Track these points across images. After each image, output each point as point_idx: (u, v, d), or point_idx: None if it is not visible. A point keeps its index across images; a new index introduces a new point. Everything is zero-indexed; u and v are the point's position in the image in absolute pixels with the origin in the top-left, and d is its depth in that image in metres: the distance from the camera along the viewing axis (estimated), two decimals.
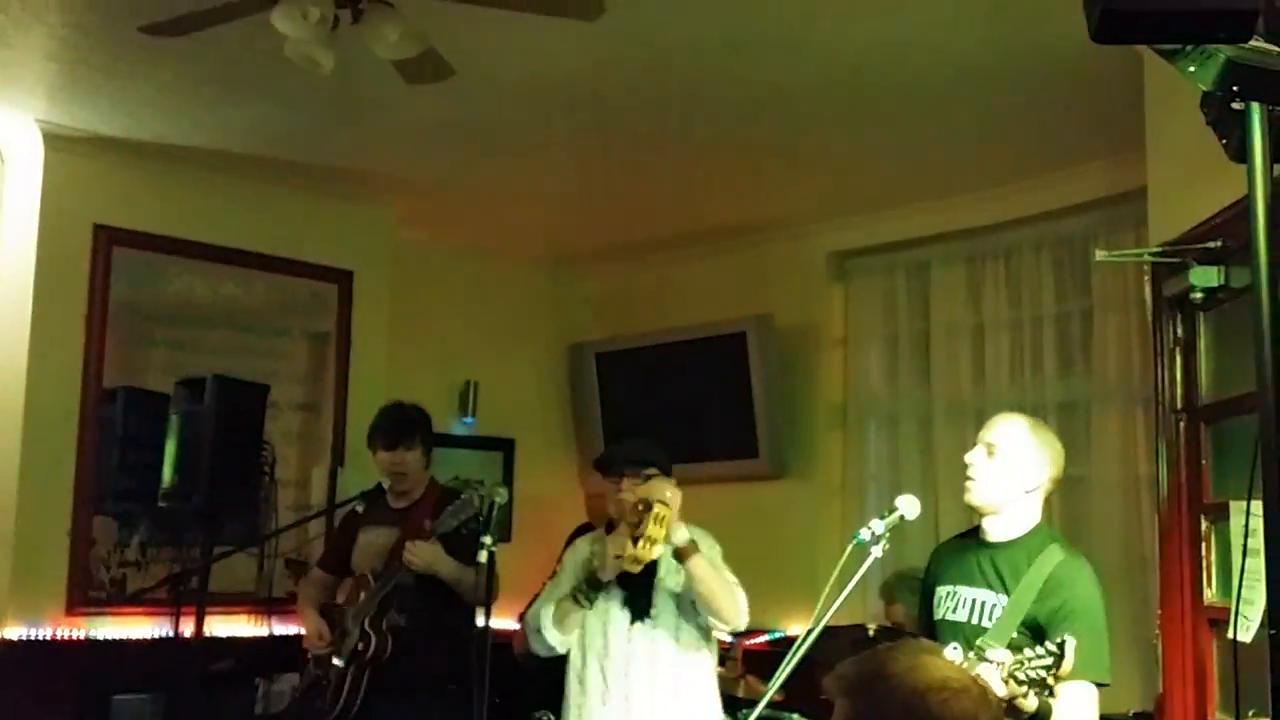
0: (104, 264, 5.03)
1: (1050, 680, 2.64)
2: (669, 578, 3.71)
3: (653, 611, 3.71)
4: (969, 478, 3.17)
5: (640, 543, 3.47)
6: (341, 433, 5.62)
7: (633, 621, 3.71)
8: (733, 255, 6.44)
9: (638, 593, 3.71)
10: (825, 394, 6.19)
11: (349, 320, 5.72)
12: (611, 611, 3.74)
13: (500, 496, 3.64)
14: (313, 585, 4.67)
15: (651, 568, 3.67)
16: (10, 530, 4.78)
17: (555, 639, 3.76)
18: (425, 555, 4.15)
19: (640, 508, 3.53)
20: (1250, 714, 2.88)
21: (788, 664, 2.78)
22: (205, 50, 4.05)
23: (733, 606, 3.65)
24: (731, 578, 3.71)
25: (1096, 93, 4.36)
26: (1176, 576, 3.53)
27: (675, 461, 3.94)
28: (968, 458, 3.18)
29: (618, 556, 3.55)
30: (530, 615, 3.89)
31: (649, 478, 3.70)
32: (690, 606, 3.70)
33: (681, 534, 3.56)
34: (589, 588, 3.69)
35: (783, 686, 2.85)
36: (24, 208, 4.98)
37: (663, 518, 3.48)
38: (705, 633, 3.76)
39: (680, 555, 3.58)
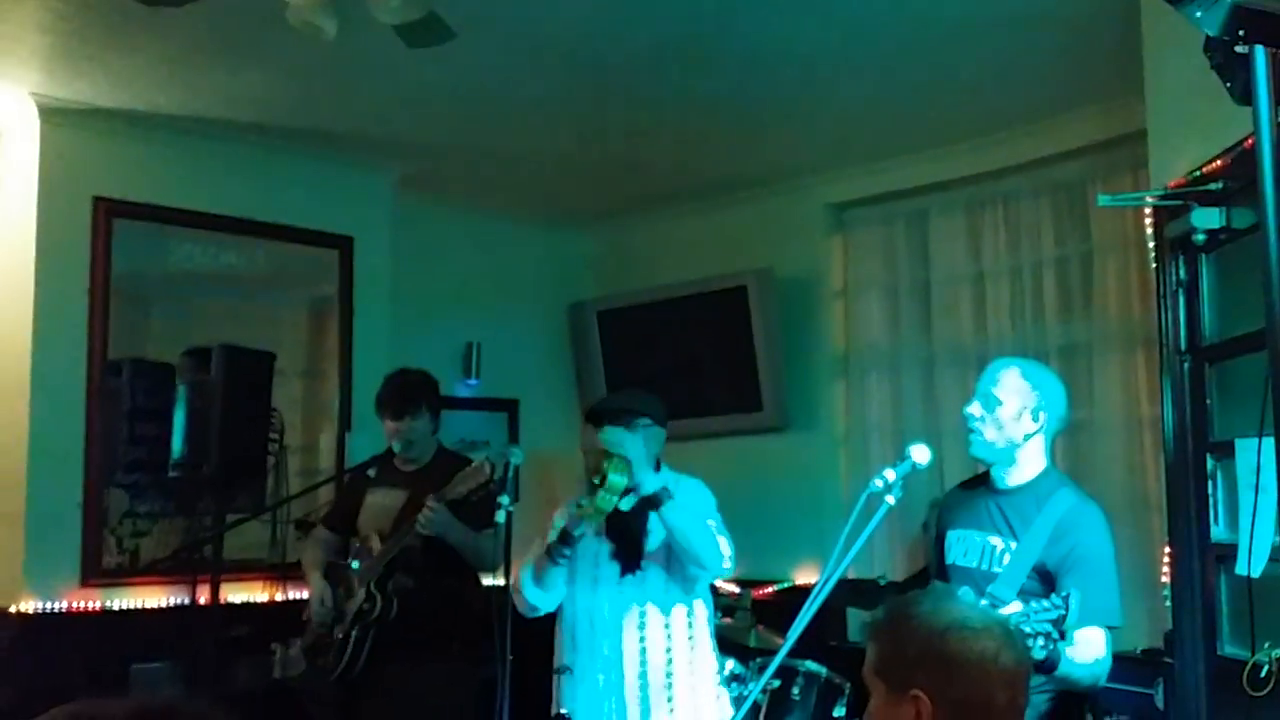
0: (104, 236, 5.02)
1: (1057, 634, 2.67)
2: (658, 530, 3.70)
3: (642, 563, 3.71)
4: (971, 430, 3.20)
5: (598, 493, 3.48)
6: (347, 397, 5.64)
7: (622, 574, 3.71)
8: (732, 209, 6.45)
9: (627, 545, 3.71)
10: (827, 345, 6.21)
11: (350, 285, 5.72)
12: (601, 565, 3.74)
13: (516, 457, 3.67)
14: (317, 545, 4.69)
15: (642, 520, 3.69)
16: (22, 505, 4.81)
17: (536, 597, 3.74)
18: (436, 523, 4.17)
19: (599, 459, 3.53)
20: (1266, 646, 2.94)
21: (805, 615, 2.81)
22: (202, 19, 4.02)
23: (712, 551, 3.60)
24: (713, 523, 3.68)
25: (1091, 37, 4.36)
26: (1184, 514, 3.58)
27: (679, 417, 3.90)
28: (968, 410, 3.20)
29: (579, 506, 3.56)
30: (514, 577, 3.86)
31: (633, 429, 3.68)
32: (680, 558, 3.69)
33: (651, 482, 3.55)
34: (561, 544, 3.67)
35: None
36: (22, 182, 4.97)
37: (620, 466, 3.48)
38: (696, 583, 3.75)
39: (651, 503, 3.56)
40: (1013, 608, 2.76)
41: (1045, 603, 2.69)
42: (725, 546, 3.65)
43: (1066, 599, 2.64)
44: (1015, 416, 3.15)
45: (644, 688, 3.68)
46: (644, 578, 3.71)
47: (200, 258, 5.35)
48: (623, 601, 3.70)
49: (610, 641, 3.70)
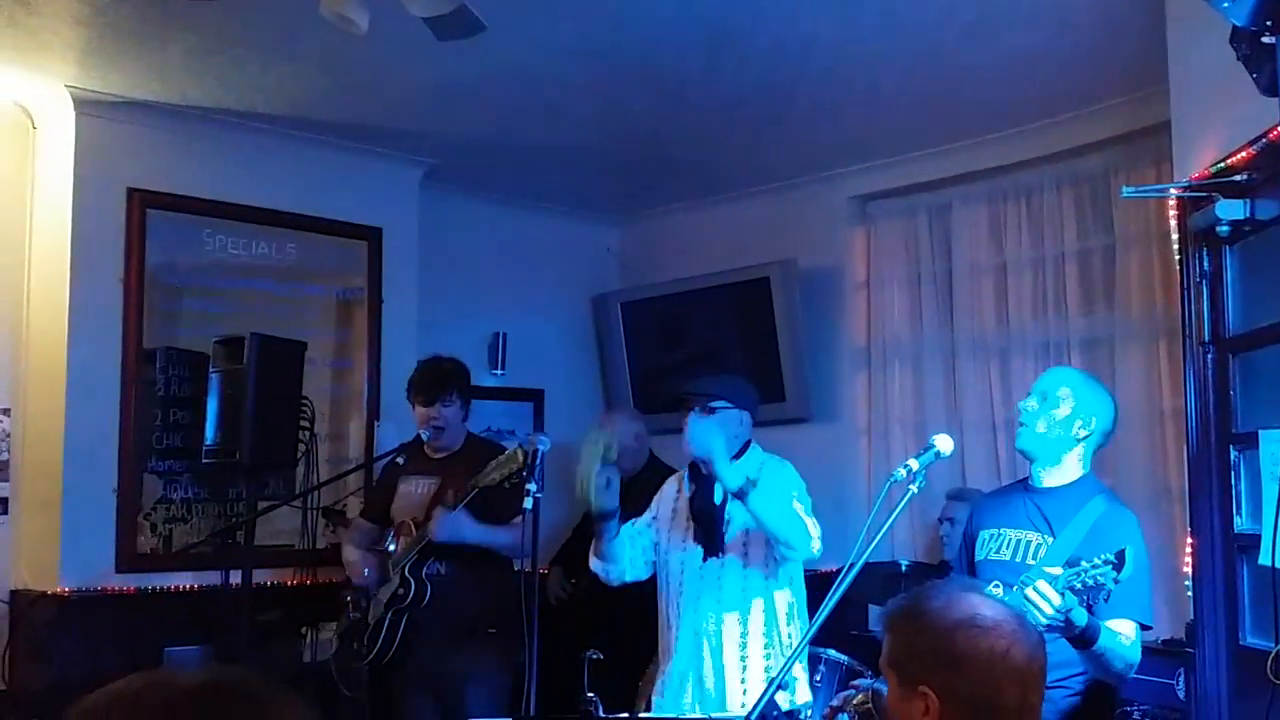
0: (139, 227, 5.07)
1: (1110, 586, 2.73)
2: (738, 517, 3.77)
3: (724, 550, 3.78)
4: (1021, 424, 3.28)
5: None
6: (376, 387, 5.69)
7: (705, 558, 3.79)
8: (755, 201, 6.48)
9: (710, 529, 3.78)
10: (849, 336, 6.24)
11: (379, 276, 5.77)
12: (687, 548, 3.84)
13: (543, 445, 3.73)
14: (355, 533, 4.80)
15: (723, 505, 3.77)
16: (58, 491, 4.88)
17: (597, 567, 3.90)
18: (446, 530, 4.24)
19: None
20: None
21: (829, 603, 2.85)
22: (235, 12, 4.11)
23: (800, 534, 3.66)
24: (800, 506, 3.73)
25: (1114, 30, 4.37)
26: (1207, 505, 3.60)
27: None
28: (1024, 403, 3.29)
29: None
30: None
31: (714, 410, 3.79)
32: (762, 541, 3.74)
33: (732, 477, 3.58)
34: (597, 520, 3.81)
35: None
36: (58, 174, 5.03)
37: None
38: (778, 567, 3.78)
39: (738, 495, 3.61)
40: (1055, 570, 2.81)
41: (1097, 559, 2.74)
42: (813, 528, 3.72)
43: (1121, 554, 2.70)
44: (1068, 419, 3.24)
45: (719, 671, 3.75)
46: (724, 563, 3.78)
47: (232, 248, 5.40)
48: (703, 586, 3.79)
49: (689, 624, 3.79)
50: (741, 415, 3.88)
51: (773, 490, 3.71)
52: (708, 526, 3.78)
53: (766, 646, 3.77)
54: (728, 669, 3.75)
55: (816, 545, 3.72)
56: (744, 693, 3.72)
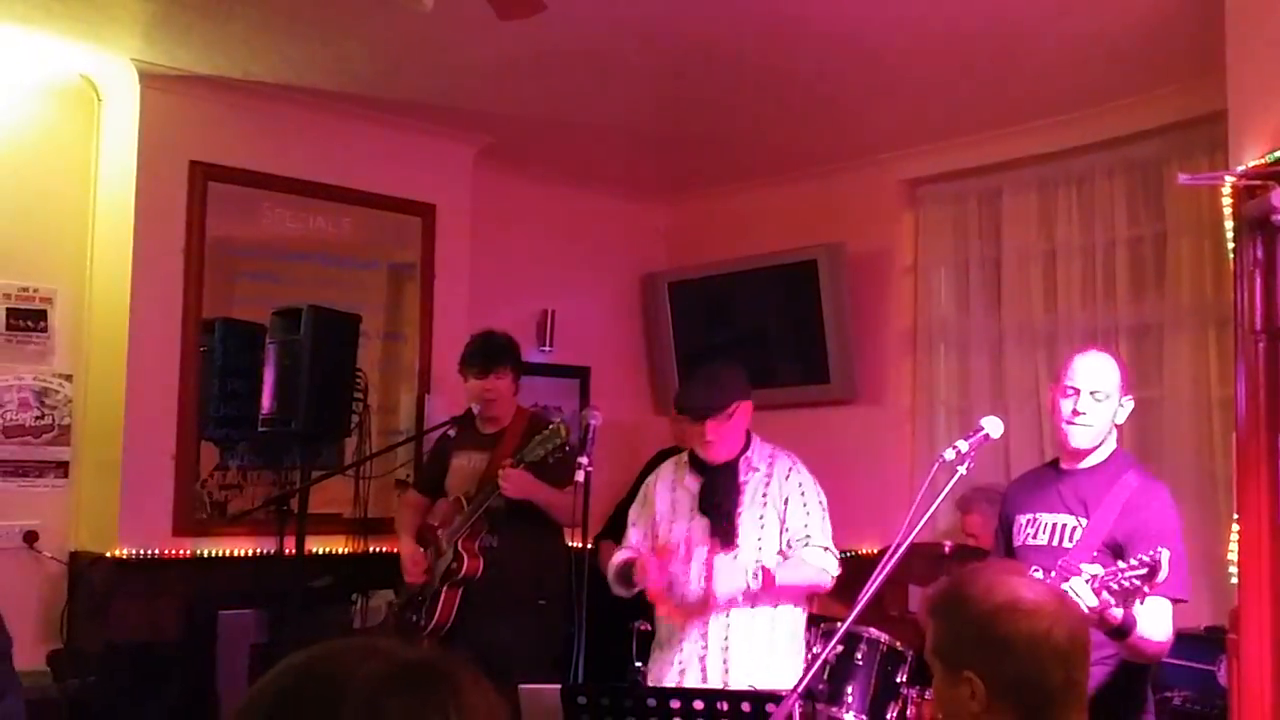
0: (200, 199, 5.17)
1: (1146, 589, 2.75)
2: (752, 504, 3.80)
3: (737, 541, 3.77)
4: (1083, 425, 3.26)
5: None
6: (427, 361, 5.77)
7: (722, 550, 3.77)
8: (805, 184, 6.49)
9: (723, 524, 3.76)
10: (895, 320, 6.26)
11: (432, 252, 5.85)
12: (696, 539, 3.81)
13: (595, 419, 3.79)
14: (409, 509, 4.88)
15: (736, 496, 3.79)
16: (118, 456, 4.98)
17: (624, 592, 3.91)
18: (519, 483, 4.32)
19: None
20: None
21: (874, 583, 2.89)
22: None
23: (822, 581, 3.76)
24: (819, 544, 3.76)
25: (1172, 16, 4.36)
26: (1254, 494, 3.61)
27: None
28: (1082, 406, 3.26)
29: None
30: (609, 566, 4.01)
31: (732, 415, 3.78)
32: (775, 539, 3.79)
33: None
34: (623, 586, 3.86)
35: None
36: (123, 145, 5.13)
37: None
38: None
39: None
40: (1090, 568, 2.84)
41: (1133, 560, 2.77)
42: (832, 563, 3.77)
43: (1154, 556, 2.71)
44: (1116, 407, 3.28)
45: (725, 661, 3.75)
46: (736, 557, 3.76)
47: (290, 222, 5.49)
48: (716, 577, 3.75)
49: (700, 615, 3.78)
50: (748, 406, 3.87)
51: (794, 517, 3.76)
52: (721, 519, 3.76)
53: (783, 640, 3.79)
54: (732, 662, 3.74)
55: (832, 582, 3.80)
56: (746, 683, 3.68)
